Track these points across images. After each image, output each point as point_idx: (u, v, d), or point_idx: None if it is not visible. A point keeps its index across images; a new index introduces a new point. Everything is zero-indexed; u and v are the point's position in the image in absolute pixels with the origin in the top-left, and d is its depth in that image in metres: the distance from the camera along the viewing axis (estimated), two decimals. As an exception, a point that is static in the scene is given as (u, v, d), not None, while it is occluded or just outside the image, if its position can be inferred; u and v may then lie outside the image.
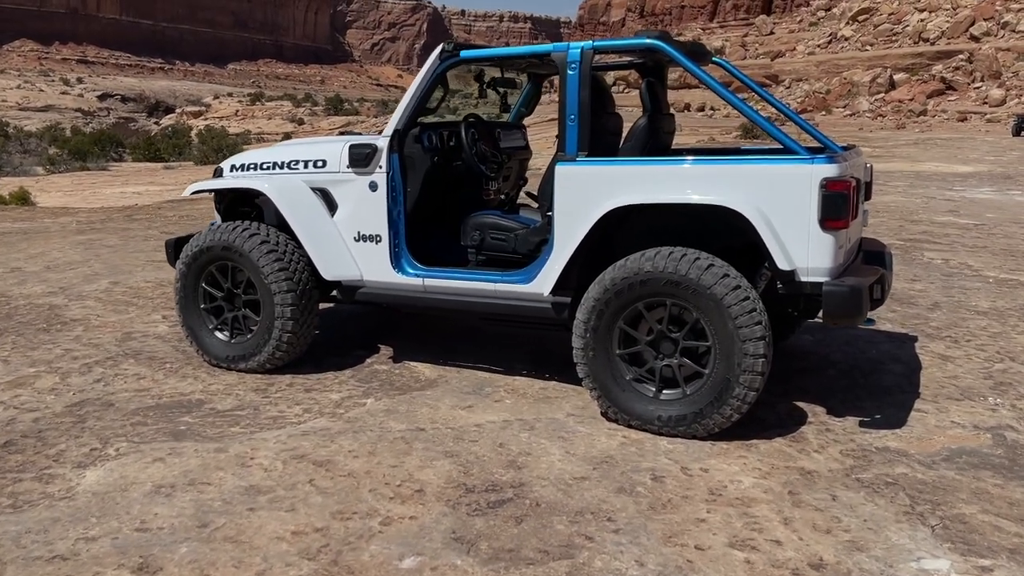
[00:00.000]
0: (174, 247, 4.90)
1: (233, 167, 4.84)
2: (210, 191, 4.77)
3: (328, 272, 4.42)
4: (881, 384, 4.45)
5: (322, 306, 4.92)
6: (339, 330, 5.50)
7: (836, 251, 3.54)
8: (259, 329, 4.51)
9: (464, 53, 4.20)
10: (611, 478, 3.29)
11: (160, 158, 31.27)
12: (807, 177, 3.48)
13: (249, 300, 4.57)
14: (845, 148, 3.99)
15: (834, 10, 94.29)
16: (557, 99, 4.06)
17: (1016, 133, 37.29)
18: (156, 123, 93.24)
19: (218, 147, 31.32)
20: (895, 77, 66.64)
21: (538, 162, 6.29)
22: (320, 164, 4.52)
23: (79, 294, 6.47)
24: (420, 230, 4.54)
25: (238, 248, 4.43)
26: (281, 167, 4.64)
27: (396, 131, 4.29)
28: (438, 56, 4.22)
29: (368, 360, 4.84)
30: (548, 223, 4.06)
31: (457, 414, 3.97)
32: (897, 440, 3.72)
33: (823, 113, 54.97)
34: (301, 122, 79.84)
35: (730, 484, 3.25)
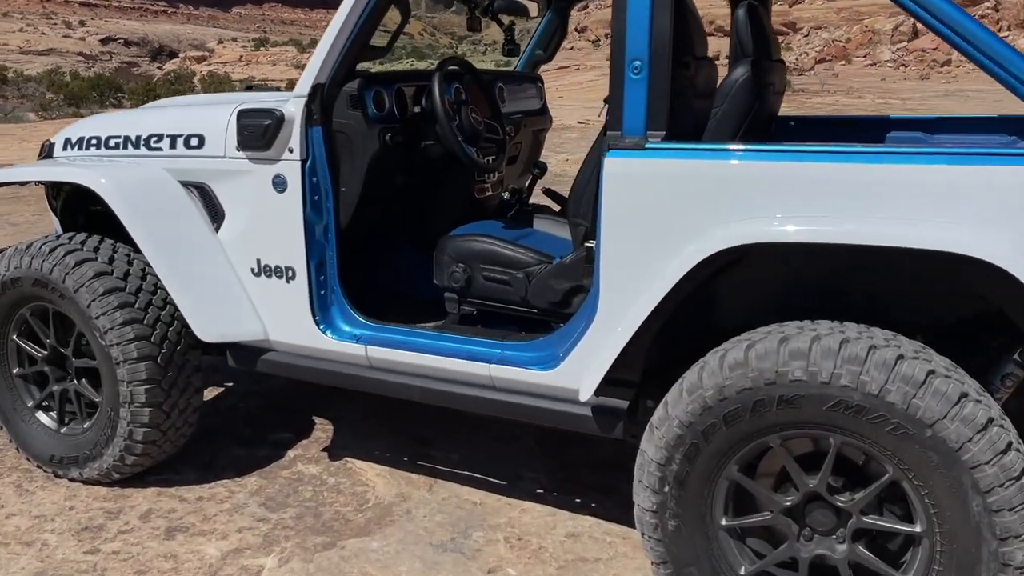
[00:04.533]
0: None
1: (68, 143, 2.99)
2: (20, 183, 2.91)
3: (206, 328, 2.59)
4: None
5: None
6: (257, 384, 3.68)
7: None
8: (98, 419, 2.72)
9: (439, -53, 2.30)
10: None
11: (160, 104, 29.55)
12: None
13: (86, 367, 2.78)
14: None
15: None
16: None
17: None
18: (159, 68, 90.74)
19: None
20: (918, 25, 63.43)
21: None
22: (194, 143, 2.66)
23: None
24: (364, 259, 2.72)
25: (56, 283, 2.61)
26: (136, 145, 2.79)
27: (318, 87, 2.43)
28: (392, -50, 2.33)
29: (290, 452, 3.04)
30: (587, 258, 2.23)
31: (418, 610, 2.18)
32: None
33: (843, 63, 52.45)
34: (306, 68, 77.25)
35: None
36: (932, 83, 37.53)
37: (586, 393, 2.10)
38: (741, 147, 1.94)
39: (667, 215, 1.97)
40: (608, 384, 2.12)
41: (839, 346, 1.76)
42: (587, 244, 2.22)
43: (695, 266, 1.88)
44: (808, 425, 1.80)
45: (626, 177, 2.02)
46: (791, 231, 1.79)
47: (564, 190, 3.16)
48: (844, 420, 1.75)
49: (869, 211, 1.77)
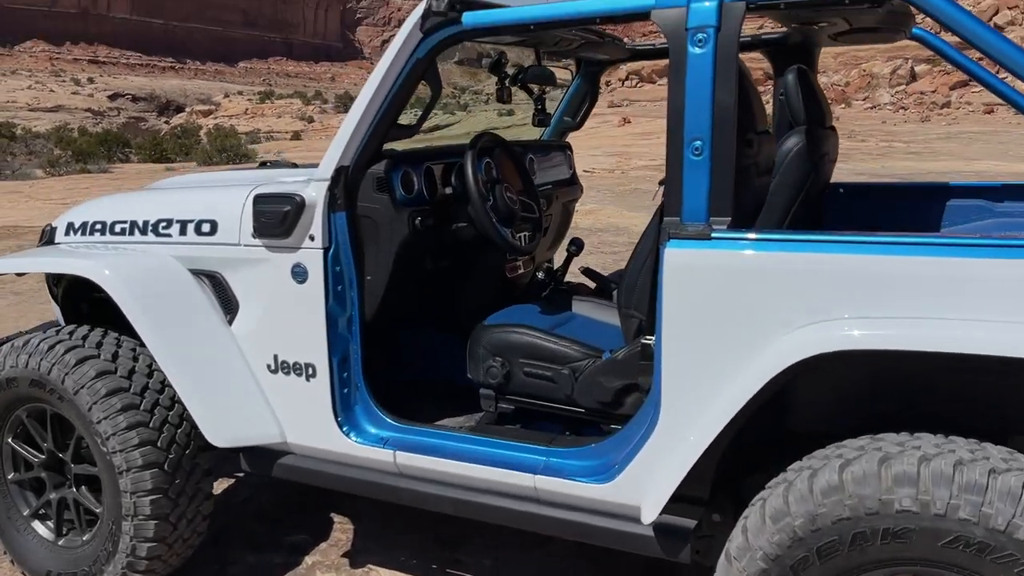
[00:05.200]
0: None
1: (71, 227, 2.79)
2: (19, 274, 2.71)
3: (218, 431, 2.35)
4: None
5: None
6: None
7: None
8: (98, 532, 2.48)
9: (469, 17, 2.12)
10: None
11: (167, 159, 29.81)
12: None
13: (86, 475, 2.54)
14: None
15: None
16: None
17: None
18: (166, 122, 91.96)
19: (223, 147, 30.10)
20: (916, 68, 64.13)
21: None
22: (206, 229, 2.46)
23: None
24: (390, 350, 2.50)
25: (55, 384, 2.39)
26: (143, 231, 2.59)
27: (341, 170, 2.23)
28: (419, 24, 2.14)
29: (308, 559, 2.79)
30: (643, 354, 2.00)
31: None
32: None
33: (843, 106, 52.79)
34: (311, 120, 78.10)
35: None
36: (933, 125, 37.65)
37: (651, 514, 1.86)
38: (828, 238, 1.72)
39: (742, 313, 1.74)
40: (673, 501, 1.88)
41: (953, 470, 1.52)
42: (644, 340, 2.00)
43: (781, 372, 1.65)
44: (918, 562, 1.56)
45: (691, 271, 1.80)
46: (909, 336, 1.56)
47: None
48: (963, 558, 1.51)
49: (993, 313, 1.54)
